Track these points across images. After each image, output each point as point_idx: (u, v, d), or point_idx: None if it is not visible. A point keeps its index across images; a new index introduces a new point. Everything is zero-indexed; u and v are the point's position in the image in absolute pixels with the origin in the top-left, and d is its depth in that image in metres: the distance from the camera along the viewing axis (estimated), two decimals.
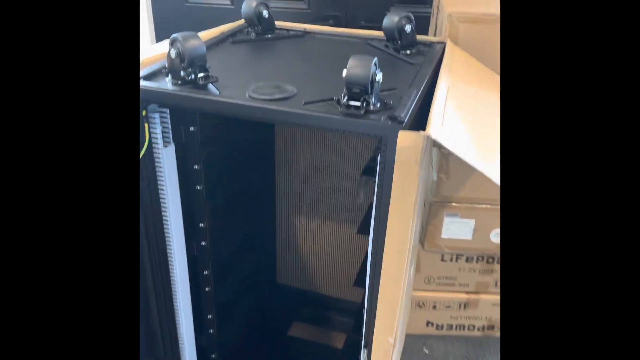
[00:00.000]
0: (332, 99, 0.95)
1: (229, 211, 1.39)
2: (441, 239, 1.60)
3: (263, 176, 1.58)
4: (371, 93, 0.89)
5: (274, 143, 1.57)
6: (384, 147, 0.88)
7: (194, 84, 0.98)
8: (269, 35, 1.32)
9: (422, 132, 0.82)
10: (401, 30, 1.17)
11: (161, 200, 1.12)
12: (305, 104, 0.93)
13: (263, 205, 1.62)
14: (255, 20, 1.28)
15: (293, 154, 1.58)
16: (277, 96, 0.97)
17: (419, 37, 1.27)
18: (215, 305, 1.36)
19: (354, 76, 0.87)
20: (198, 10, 2.11)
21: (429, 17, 1.74)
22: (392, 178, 0.87)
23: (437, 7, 1.52)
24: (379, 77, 0.89)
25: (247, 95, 0.97)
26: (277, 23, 1.39)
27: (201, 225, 1.25)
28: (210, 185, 1.24)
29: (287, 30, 1.38)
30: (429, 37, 1.30)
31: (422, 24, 1.79)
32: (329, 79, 1.06)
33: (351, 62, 0.88)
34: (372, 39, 1.32)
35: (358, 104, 0.88)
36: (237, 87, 1.01)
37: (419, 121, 0.90)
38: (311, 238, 1.70)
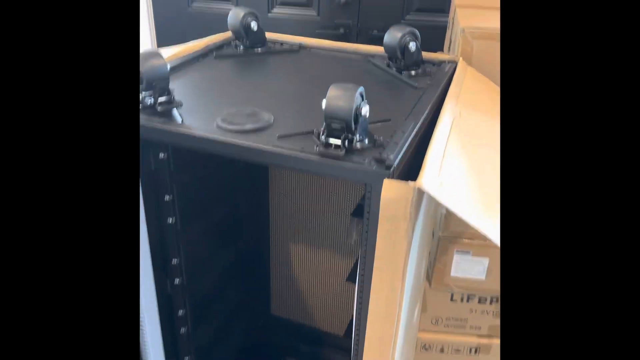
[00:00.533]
0: (312, 132, 0.80)
1: (210, 243, 1.26)
2: (450, 278, 1.43)
3: (255, 201, 1.44)
4: (355, 130, 0.74)
5: (266, 167, 1.43)
6: (369, 195, 0.72)
7: (152, 109, 0.84)
8: (259, 50, 1.18)
9: (411, 183, 0.67)
10: (404, 48, 1.01)
11: None
12: (279, 137, 0.79)
13: (255, 232, 1.48)
14: (243, 33, 1.14)
15: (289, 179, 1.43)
16: (248, 126, 0.82)
17: (427, 54, 1.11)
18: (194, 347, 1.23)
19: (334, 109, 0.72)
20: (201, 16, 1.99)
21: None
22: (376, 232, 0.72)
23: (452, 19, 1.36)
24: (365, 110, 0.74)
25: (215, 125, 0.83)
26: (271, 35, 1.25)
27: (174, 261, 1.12)
28: (186, 217, 1.10)
29: (281, 43, 1.24)
30: (438, 55, 1.14)
31: (440, 35, 1.63)
32: (318, 103, 0.91)
33: (331, 91, 0.73)
34: (374, 55, 1.17)
35: (338, 142, 0.73)
36: (207, 114, 0.87)
37: (415, 163, 0.75)
38: (309, 268, 1.55)
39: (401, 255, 0.72)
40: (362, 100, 0.74)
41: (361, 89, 0.73)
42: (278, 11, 1.94)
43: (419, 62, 1.05)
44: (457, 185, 0.70)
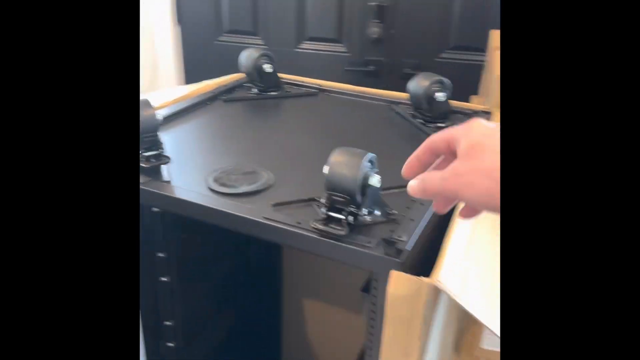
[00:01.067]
0: (314, 200, 0.68)
1: (213, 302, 1.15)
2: (481, 350, 1.26)
3: (267, 255, 1.33)
4: (362, 203, 0.62)
5: None
6: (376, 284, 0.60)
7: None
8: (274, 93, 1.08)
9: (425, 280, 0.54)
10: (431, 99, 0.89)
11: None
12: (274, 206, 0.68)
13: (266, 289, 1.36)
14: (255, 75, 1.05)
15: None
16: (243, 189, 0.71)
17: (458, 104, 0.99)
18: None
19: (337, 179, 0.61)
20: (228, 49, 1.93)
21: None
22: (381, 332, 0.59)
23: (489, 62, 1.22)
24: (375, 180, 0.62)
25: (206, 185, 0.73)
26: (288, 77, 1.15)
27: (167, 323, 1.01)
28: (183, 274, 1.00)
29: (299, 85, 1.14)
30: (471, 105, 1.01)
31: (477, 75, 1.50)
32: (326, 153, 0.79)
33: (334, 156, 0.62)
34: (399, 102, 1.05)
35: (341, 217, 0.61)
36: (201, 169, 0.77)
37: (436, 244, 0.62)
38: (324, 326, 1.41)
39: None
40: (372, 167, 0.62)
41: (370, 155, 0.61)
42: (306, 46, 1.85)
43: (447, 114, 0.93)
44: (483, 283, 0.57)
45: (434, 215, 0.67)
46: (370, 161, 0.62)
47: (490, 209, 0.40)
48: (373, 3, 1.72)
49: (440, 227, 0.67)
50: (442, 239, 0.63)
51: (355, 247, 0.59)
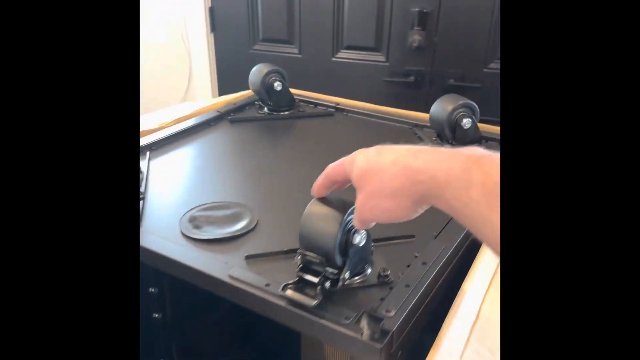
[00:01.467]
0: (289, 252, 0.57)
1: (212, 339, 1.06)
2: None
3: None
4: (342, 265, 0.50)
5: None
6: None
7: None
8: (286, 112, 0.98)
9: None
10: (455, 125, 0.76)
11: None
12: (247, 258, 0.57)
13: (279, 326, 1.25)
14: (265, 94, 0.95)
15: None
16: (217, 233, 0.62)
17: (489, 128, 0.84)
18: None
19: (311, 235, 0.49)
20: (262, 59, 1.85)
21: None
22: None
23: None
24: (360, 238, 0.50)
25: (178, 229, 0.64)
26: (304, 94, 1.05)
27: None
28: (177, 311, 0.92)
29: (315, 104, 1.03)
30: None
31: None
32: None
33: (310, 206, 0.51)
34: (424, 126, 0.92)
35: (314, 279, 0.50)
36: (179, 208, 0.68)
37: (440, 317, 0.49)
38: None
39: None
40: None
41: (352, 209, 0.50)
42: (343, 55, 1.74)
43: (475, 140, 0.79)
44: None
45: (436, 277, 0.54)
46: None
47: (395, 221, 0.45)
48: (414, 9, 1.59)
49: (444, 294, 0.54)
50: (445, 311, 0.50)
51: (328, 323, 0.47)
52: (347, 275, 0.51)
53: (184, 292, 0.93)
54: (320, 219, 0.49)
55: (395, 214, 0.44)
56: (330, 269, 0.50)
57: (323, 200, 0.51)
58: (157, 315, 0.90)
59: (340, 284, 0.50)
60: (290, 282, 0.51)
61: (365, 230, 0.50)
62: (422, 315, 0.51)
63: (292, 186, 0.75)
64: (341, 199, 0.51)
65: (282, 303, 0.50)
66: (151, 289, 0.88)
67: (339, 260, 0.49)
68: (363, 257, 0.53)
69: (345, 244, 0.49)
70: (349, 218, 0.49)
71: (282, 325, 0.52)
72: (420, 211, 0.44)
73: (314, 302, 0.48)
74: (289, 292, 0.50)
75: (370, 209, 0.45)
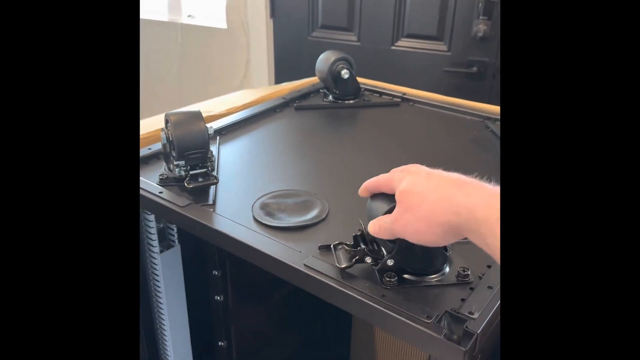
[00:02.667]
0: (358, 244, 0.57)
1: (271, 323, 1.07)
2: None
3: None
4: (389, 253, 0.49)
5: None
6: None
7: (179, 182, 0.68)
8: (351, 101, 0.97)
9: None
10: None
11: (159, 315, 0.85)
12: (320, 248, 0.57)
13: (333, 310, 1.26)
14: (331, 81, 0.94)
15: None
16: (289, 222, 0.62)
17: None
18: None
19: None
20: (320, 45, 1.84)
21: None
22: None
23: None
24: None
25: (251, 214, 0.64)
26: (370, 82, 1.04)
27: (221, 344, 0.95)
28: (238, 294, 0.93)
29: (380, 93, 1.01)
30: None
31: None
32: None
33: (372, 203, 0.51)
34: (496, 119, 0.89)
35: (393, 279, 0.49)
36: (250, 193, 0.68)
37: None
38: (396, 354, 1.29)
39: None
40: None
41: None
42: (403, 44, 1.71)
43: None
44: None
45: None
46: None
47: (422, 243, 0.47)
48: None
49: None
50: None
51: (407, 320, 0.46)
52: (389, 262, 0.51)
53: (245, 276, 0.94)
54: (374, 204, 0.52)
55: (424, 237, 0.46)
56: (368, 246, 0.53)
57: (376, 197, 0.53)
58: (218, 298, 0.92)
59: (380, 264, 0.52)
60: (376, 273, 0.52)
61: None
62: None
63: (361, 176, 0.74)
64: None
65: (358, 296, 0.49)
66: (215, 272, 0.89)
67: (383, 244, 0.52)
68: (445, 255, 0.52)
69: None
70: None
71: (335, 313, 0.53)
72: (452, 240, 0.47)
73: (342, 265, 0.52)
74: (375, 285, 0.50)
75: (403, 225, 0.47)
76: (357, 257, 0.53)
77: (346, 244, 0.55)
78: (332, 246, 0.56)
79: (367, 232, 0.52)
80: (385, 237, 0.50)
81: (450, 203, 0.43)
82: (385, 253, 0.52)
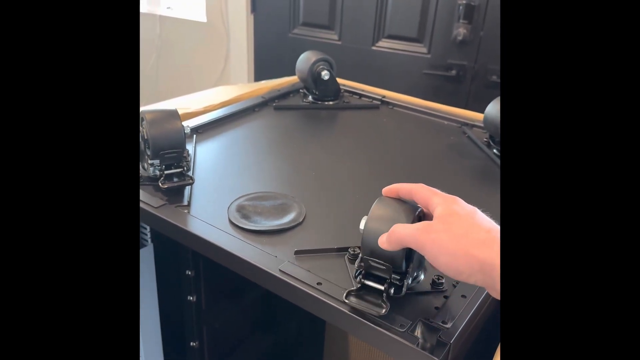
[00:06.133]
0: (346, 250, 0.56)
1: (244, 324, 1.06)
2: None
3: None
4: (407, 271, 0.49)
5: None
6: None
7: (153, 182, 0.67)
8: (331, 102, 0.96)
9: None
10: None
11: None
12: (296, 253, 0.56)
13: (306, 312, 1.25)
14: (311, 82, 0.93)
15: None
16: (265, 225, 0.61)
17: None
18: None
19: (376, 244, 0.48)
20: (301, 43, 1.83)
21: None
22: None
23: None
24: None
25: (227, 216, 0.63)
26: (349, 84, 1.03)
27: (193, 344, 0.94)
28: (211, 295, 0.92)
29: (360, 95, 1.01)
30: None
31: None
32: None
33: (375, 209, 0.49)
34: (474, 125, 0.89)
35: (380, 287, 0.48)
36: (226, 195, 0.67)
37: (493, 333, 0.48)
38: (370, 355, 1.29)
39: None
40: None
41: (420, 210, 0.48)
42: (384, 44, 1.71)
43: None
44: None
45: None
46: (419, 216, 0.49)
47: (441, 269, 0.44)
48: (462, 1, 1.55)
49: (498, 305, 0.53)
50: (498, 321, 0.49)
51: (380, 329, 0.46)
52: (409, 281, 0.49)
53: (219, 276, 0.93)
54: (387, 222, 0.48)
55: (444, 265, 0.43)
56: (395, 275, 0.48)
57: (388, 203, 0.49)
58: (191, 298, 0.90)
59: (404, 290, 0.49)
60: (352, 289, 0.49)
61: None
62: (476, 326, 0.50)
63: (339, 180, 0.74)
64: (406, 203, 0.49)
65: (333, 303, 0.49)
66: (188, 272, 0.88)
67: (404, 265, 0.48)
68: (422, 263, 0.52)
69: (410, 250, 0.48)
70: (416, 220, 0.48)
71: (309, 316, 0.51)
72: (469, 281, 0.44)
73: (382, 311, 0.47)
74: (353, 300, 0.48)
75: (434, 241, 0.43)
76: (385, 295, 0.48)
77: (355, 291, 0.49)
78: (352, 298, 0.49)
79: (367, 262, 0.48)
80: (392, 245, 0.46)
81: (481, 260, 0.41)
82: (395, 275, 0.48)
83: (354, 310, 0.48)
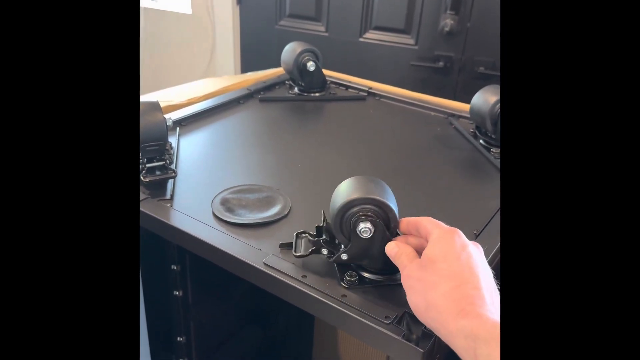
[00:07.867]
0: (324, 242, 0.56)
1: (232, 318, 1.05)
2: None
3: None
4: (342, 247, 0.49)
5: None
6: None
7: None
8: (317, 94, 0.96)
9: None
10: (497, 121, 0.73)
11: None
12: (280, 246, 0.56)
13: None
14: (297, 74, 0.92)
15: None
16: (246, 219, 0.60)
17: None
18: None
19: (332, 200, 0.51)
20: (288, 35, 1.82)
21: None
22: None
23: None
24: (363, 230, 0.49)
25: (211, 210, 0.62)
26: (336, 75, 1.02)
27: (180, 339, 0.93)
28: (198, 289, 0.91)
29: (346, 87, 1.00)
30: None
31: None
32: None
33: (347, 181, 0.51)
34: (460, 116, 0.89)
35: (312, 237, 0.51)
36: (210, 188, 0.66)
37: None
38: (356, 346, 1.29)
39: None
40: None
41: (391, 197, 0.49)
42: (371, 36, 1.70)
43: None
44: None
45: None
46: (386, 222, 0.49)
47: (414, 313, 0.44)
48: None
49: None
50: None
51: (365, 321, 0.46)
52: (343, 256, 0.51)
53: (205, 271, 0.92)
54: (346, 188, 0.51)
55: (417, 310, 0.43)
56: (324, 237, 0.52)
57: (358, 180, 0.52)
58: (177, 293, 0.89)
59: (334, 257, 0.51)
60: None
61: (376, 228, 0.48)
62: None
63: (324, 172, 0.73)
64: (379, 181, 0.50)
65: (318, 296, 0.49)
66: (173, 267, 0.87)
67: (339, 237, 0.50)
68: (379, 256, 0.51)
69: (351, 226, 0.49)
70: (367, 206, 0.48)
71: (298, 309, 0.52)
72: (431, 324, 0.42)
73: (298, 253, 0.52)
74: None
75: (409, 288, 0.44)
76: (313, 248, 0.52)
77: (310, 234, 0.55)
78: (295, 234, 0.55)
79: (330, 224, 0.51)
80: (393, 258, 0.48)
81: (469, 304, 0.39)
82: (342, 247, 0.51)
83: (319, 292, 0.49)
